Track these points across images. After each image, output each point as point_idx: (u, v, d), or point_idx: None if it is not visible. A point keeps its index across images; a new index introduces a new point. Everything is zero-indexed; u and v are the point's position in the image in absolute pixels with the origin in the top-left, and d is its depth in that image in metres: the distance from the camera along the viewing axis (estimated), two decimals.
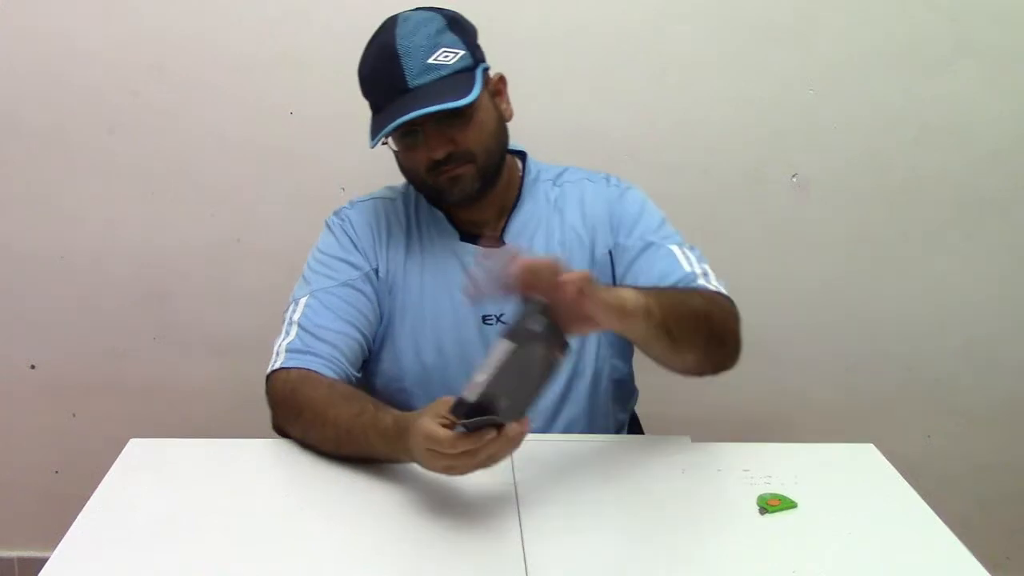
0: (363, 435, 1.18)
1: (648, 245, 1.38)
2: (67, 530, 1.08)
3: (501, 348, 1.02)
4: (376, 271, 1.40)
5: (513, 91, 1.40)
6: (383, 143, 1.32)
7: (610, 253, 1.41)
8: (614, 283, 1.40)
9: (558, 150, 1.54)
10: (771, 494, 1.16)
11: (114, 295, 1.96)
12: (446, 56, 1.26)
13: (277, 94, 1.85)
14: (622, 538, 1.07)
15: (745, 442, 1.31)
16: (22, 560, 2.13)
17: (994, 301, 2.01)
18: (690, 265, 1.36)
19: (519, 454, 1.25)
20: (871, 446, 1.33)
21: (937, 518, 1.15)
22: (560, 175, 1.48)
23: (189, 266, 1.95)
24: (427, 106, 1.23)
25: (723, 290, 1.35)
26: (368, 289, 1.39)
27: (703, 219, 1.91)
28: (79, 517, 1.10)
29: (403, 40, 1.26)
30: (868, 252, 1.98)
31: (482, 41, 1.36)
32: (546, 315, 1.05)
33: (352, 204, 1.46)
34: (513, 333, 1.03)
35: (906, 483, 1.24)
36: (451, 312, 1.40)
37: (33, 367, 2.02)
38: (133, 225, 1.92)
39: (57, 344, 2.00)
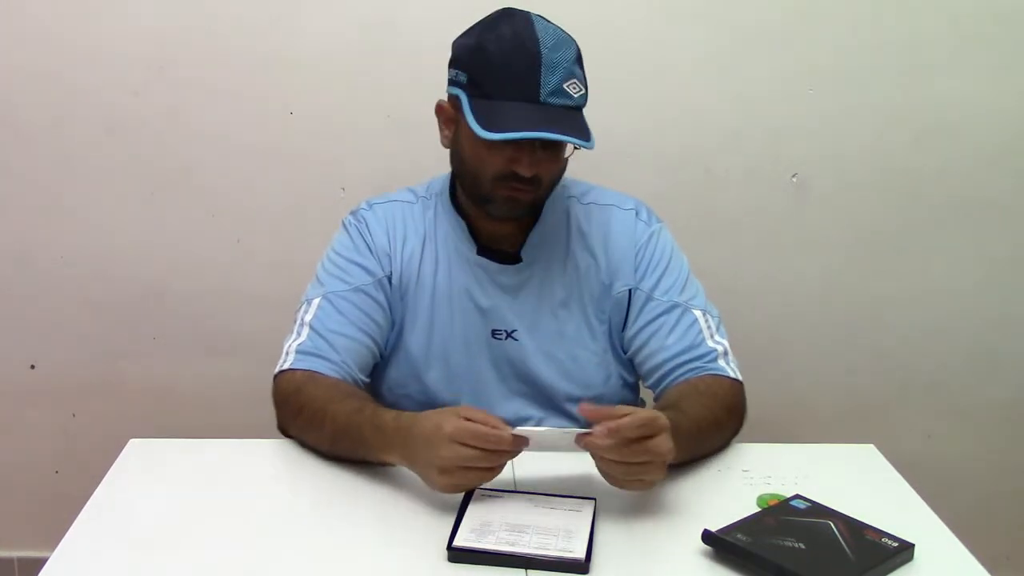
0: (358, 430, 1.18)
1: (674, 306, 1.38)
2: (67, 530, 1.08)
3: None
4: (389, 277, 1.39)
5: None
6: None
7: (629, 292, 1.39)
8: (625, 322, 1.40)
9: None
10: (771, 494, 1.16)
11: (114, 295, 1.96)
12: (574, 87, 1.26)
13: (277, 94, 1.85)
14: (622, 538, 1.07)
15: (745, 442, 1.31)
16: (22, 560, 2.12)
17: (994, 301, 2.01)
18: (712, 338, 1.37)
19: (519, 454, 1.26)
20: (871, 446, 1.33)
21: (937, 518, 1.15)
22: (586, 193, 1.45)
23: (189, 266, 1.94)
24: (560, 132, 1.23)
25: (737, 373, 1.36)
26: (380, 296, 1.38)
27: (703, 219, 1.91)
28: (79, 517, 1.11)
29: (548, 51, 1.24)
30: (868, 252, 1.98)
31: None
32: None
33: (370, 205, 1.43)
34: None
35: (906, 483, 1.24)
36: (461, 324, 1.39)
37: (33, 367, 2.02)
38: (133, 225, 1.92)
39: (57, 344, 2.00)
